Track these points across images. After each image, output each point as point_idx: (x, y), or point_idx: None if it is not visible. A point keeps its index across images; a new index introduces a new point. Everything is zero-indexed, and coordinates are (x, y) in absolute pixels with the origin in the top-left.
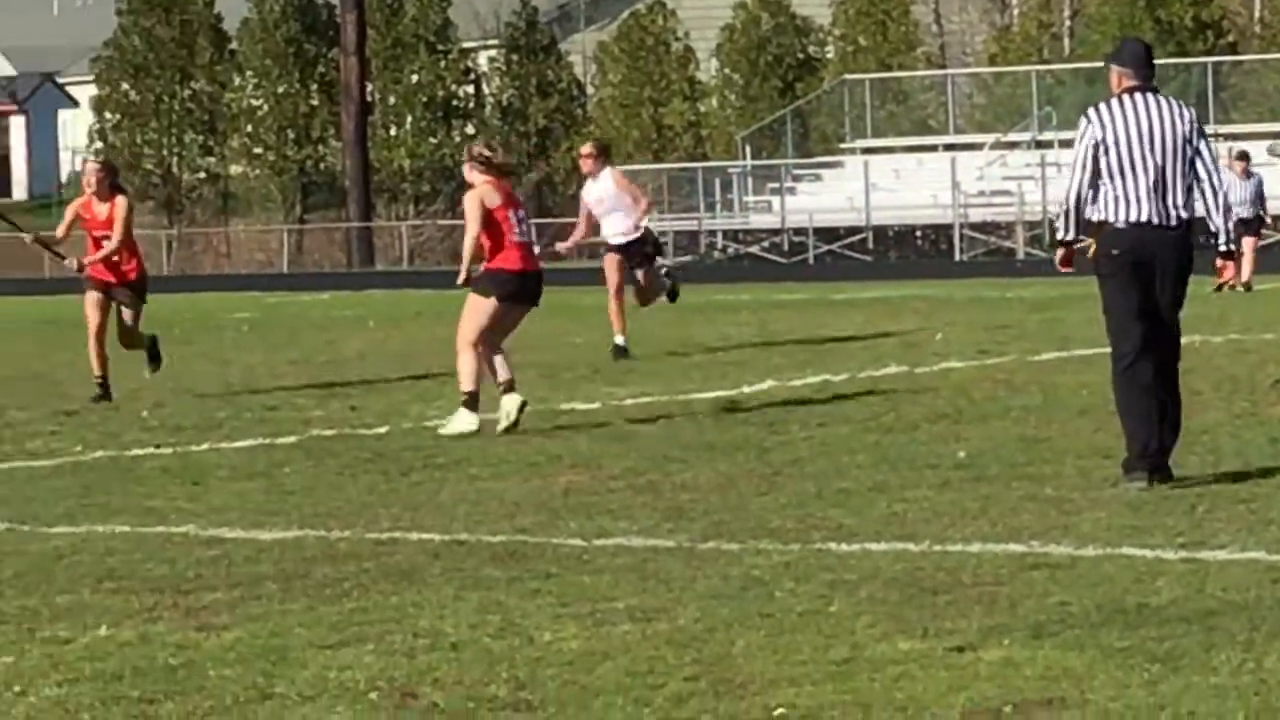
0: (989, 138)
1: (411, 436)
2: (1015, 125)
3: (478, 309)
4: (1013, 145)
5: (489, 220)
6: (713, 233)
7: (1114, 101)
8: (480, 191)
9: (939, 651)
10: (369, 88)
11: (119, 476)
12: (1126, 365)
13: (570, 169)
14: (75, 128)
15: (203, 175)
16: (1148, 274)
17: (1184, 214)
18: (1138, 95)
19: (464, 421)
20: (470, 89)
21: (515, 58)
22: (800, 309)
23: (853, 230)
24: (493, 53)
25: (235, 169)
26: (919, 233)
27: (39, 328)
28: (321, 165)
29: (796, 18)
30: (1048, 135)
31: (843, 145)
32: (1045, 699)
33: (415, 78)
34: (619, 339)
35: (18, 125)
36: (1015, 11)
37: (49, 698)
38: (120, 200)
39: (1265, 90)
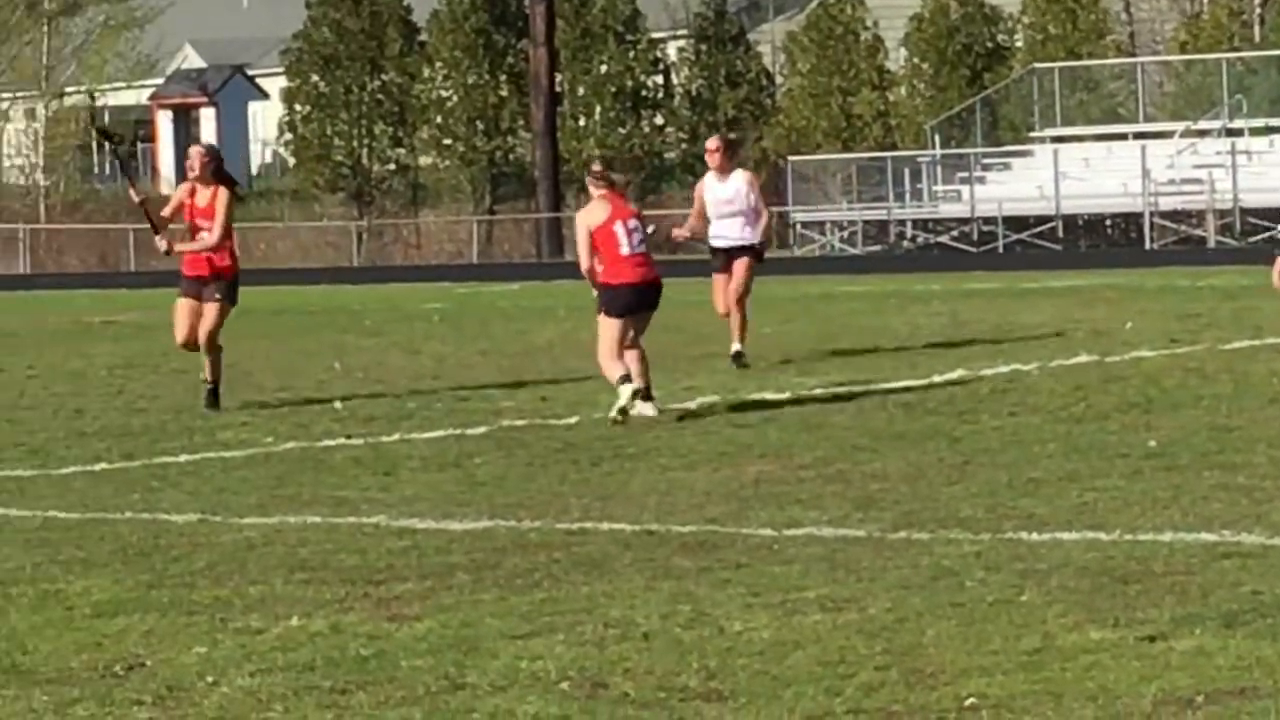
0: (1179, 125)
1: (602, 427)
2: (1206, 113)
3: (604, 328)
4: (1203, 133)
5: (597, 238)
6: (902, 222)
7: None
8: (583, 217)
9: (1130, 641)
10: (558, 78)
11: (310, 467)
12: None
13: (759, 159)
14: (265, 120)
15: (392, 166)
16: None
17: None
18: None
19: (624, 394)
20: (659, 79)
21: (704, 48)
22: (990, 298)
23: (1042, 219)
24: (681, 43)
25: (425, 160)
26: (1109, 221)
27: (234, 319)
28: (511, 156)
29: (985, 6)
30: (1238, 123)
31: (1032, 134)
32: (1238, 688)
33: (604, 68)
34: (737, 345)
35: (208, 117)
36: None
37: (241, 688)
38: (222, 191)
39: None
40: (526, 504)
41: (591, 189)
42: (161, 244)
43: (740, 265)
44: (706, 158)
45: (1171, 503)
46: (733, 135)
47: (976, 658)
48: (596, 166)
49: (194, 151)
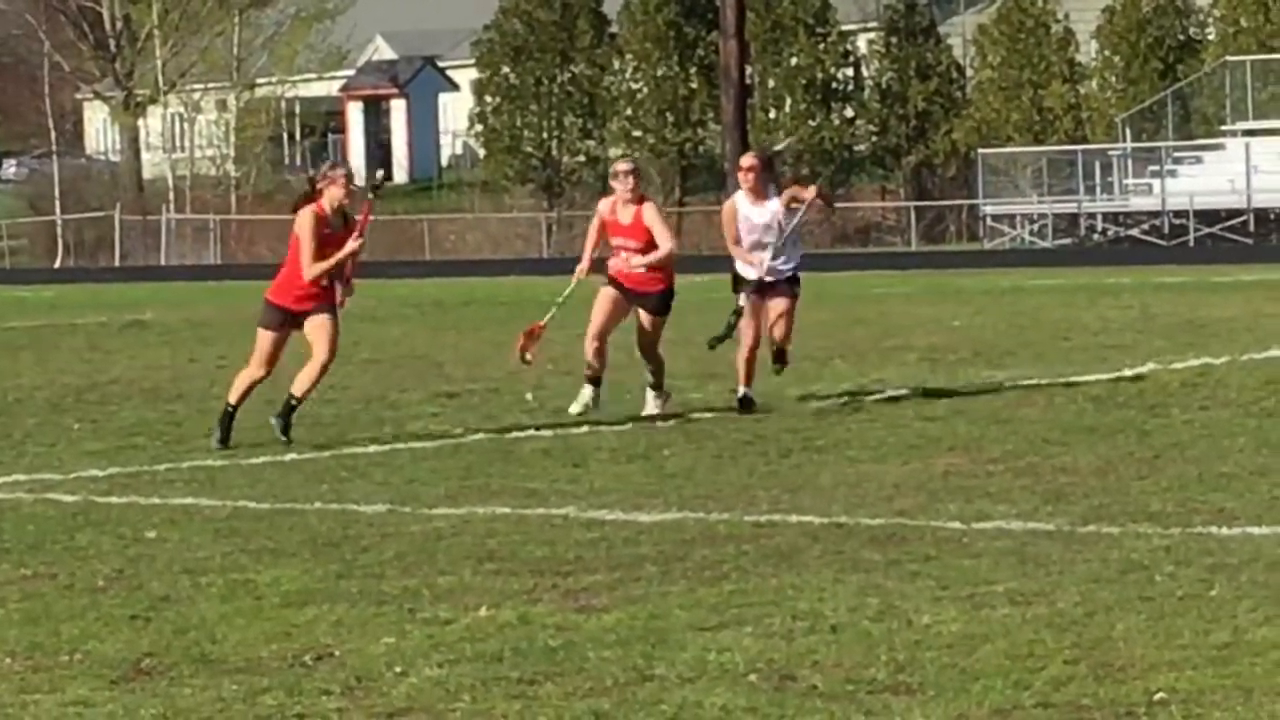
0: None
1: (790, 419)
2: None
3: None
4: None
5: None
6: (1092, 215)
7: None
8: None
9: None
10: (748, 70)
11: (499, 458)
12: None
13: (949, 152)
14: (455, 111)
15: (582, 158)
16: None
17: None
18: None
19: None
20: (849, 72)
21: (894, 40)
22: (1181, 292)
23: (1234, 213)
24: (872, 35)
25: (614, 152)
26: None
27: (423, 310)
28: (701, 148)
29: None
30: None
31: (1224, 127)
32: None
33: (794, 60)
34: (744, 389)
35: (398, 109)
36: None
37: (430, 678)
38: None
39: None
40: (715, 496)
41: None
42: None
43: (781, 305)
44: (740, 178)
45: None
46: (778, 147)
47: (1166, 652)
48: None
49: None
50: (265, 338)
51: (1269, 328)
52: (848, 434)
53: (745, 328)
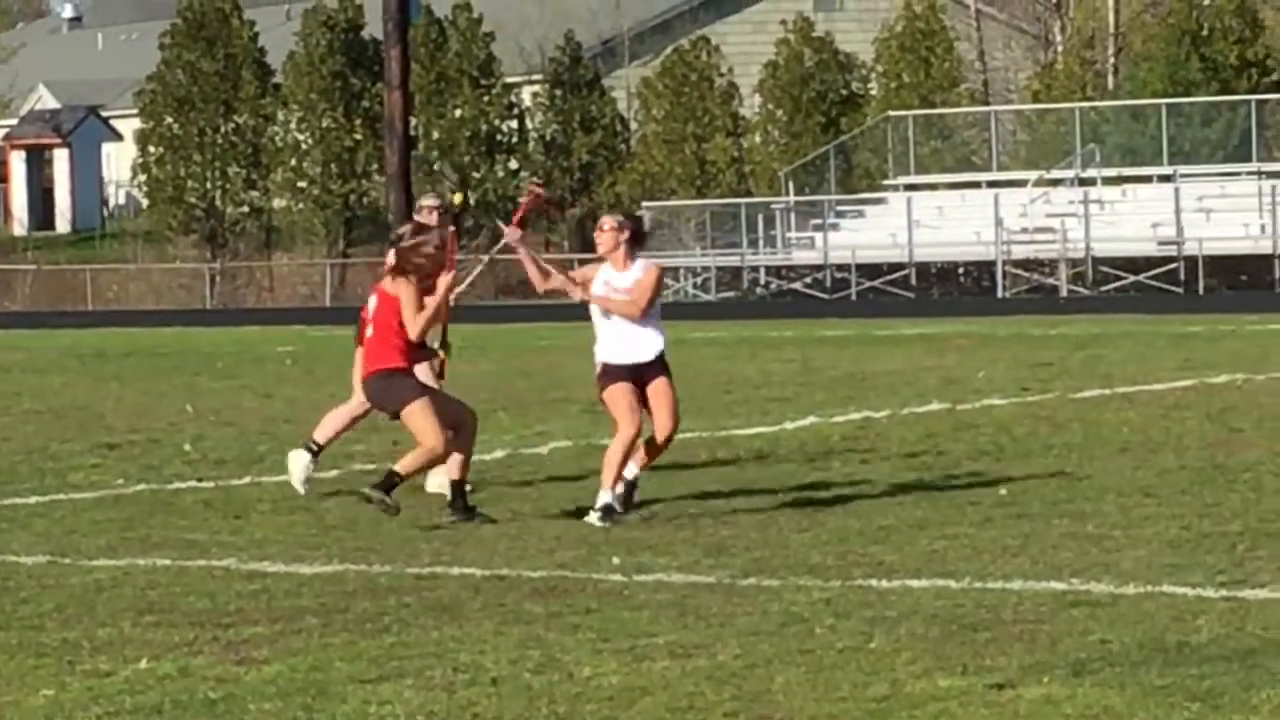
0: (1032, 174)
1: None
2: (1059, 162)
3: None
4: (1056, 182)
5: None
6: (755, 269)
7: None
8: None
9: (979, 689)
10: (413, 122)
11: (160, 509)
12: None
13: (613, 204)
14: (119, 161)
15: (246, 209)
16: None
17: None
18: None
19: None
20: (514, 124)
21: (559, 93)
22: (843, 345)
23: (895, 266)
24: (536, 88)
25: (279, 203)
26: (961, 269)
27: (85, 361)
28: (365, 199)
29: (840, 54)
30: (1091, 173)
31: (886, 181)
32: None
33: (459, 112)
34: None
35: (61, 158)
36: (1059, 48)
37: None
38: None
39: None
40: (376, 548)
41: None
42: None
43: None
44: (598, 241)
45: (1021, 551)
46: (639, 213)
47: (825, 705)
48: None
49: (606, 221)
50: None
51: (928, 381)
52: (509, 487)
53: (628, 418)
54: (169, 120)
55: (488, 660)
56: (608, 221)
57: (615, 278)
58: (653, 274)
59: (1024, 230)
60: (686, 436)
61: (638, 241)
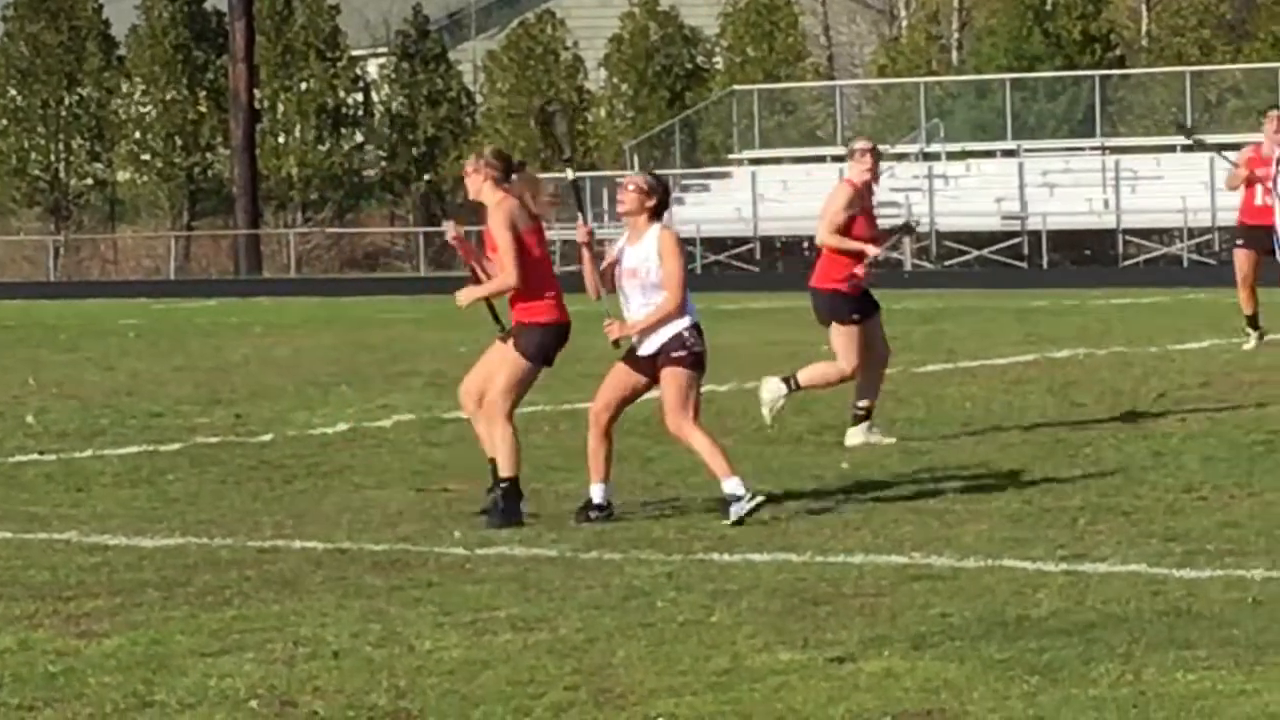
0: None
1: (296, 445)
2: (903, 137)
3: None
4: (901, 157)
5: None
6: (601, 242)
7: None
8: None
9: (819, 662)
10: (258, 95)
11: (2, 482)
12: None
13: (459, 178)
14: None
15: (90, 182)
16: None
17: None
18: None
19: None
20: (360, 97)
21: (405, 66)
22: None
23: (740, 241)
24: (383, 61)
25: (123, 175)
26: (806, 244)
27: None
28: (210, 172)
29: (685, 28)
30: (935, 147)
31: (731, 156)
32: (924, 710)
33: (305, 85)
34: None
35: None
36: (904, 23)
37: None
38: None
39: (1152, 104)
40: (219, 521)
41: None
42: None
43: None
44: (620, 201)
45: (863, 525)
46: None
47: (666, 678)
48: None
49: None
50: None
51: (773, 355)
52: (353, 460)
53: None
54: (12, 92)
55: (329, 634)
56: (634, 182)
57: (629, 252)
58: (669, 241)
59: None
60: (530, 410)
61: (661, 210)
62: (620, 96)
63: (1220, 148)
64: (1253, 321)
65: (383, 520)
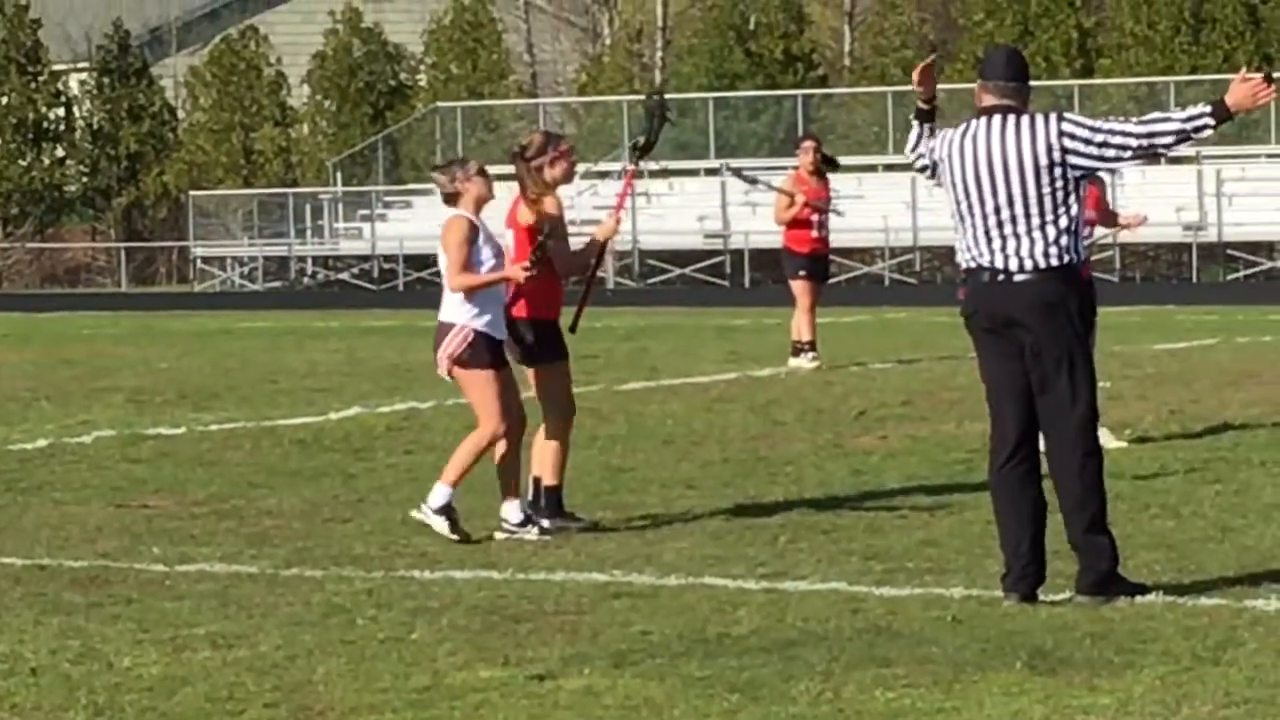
0: (580, 167)
1: None
2: (606, 155)
3: None
4: (604, 174)
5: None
6: (303, 258)
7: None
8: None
9: (520, 680)
10: None
11: None
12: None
13: (160, 194)
14: None
15: None
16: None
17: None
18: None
19: None
20: (61, 111)
21: (107, 81)
22: (389, 336)
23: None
24: (84, 75)
25: None
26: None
27: None
28: None
29: (388, 45)
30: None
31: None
32: None
33: (4, 99)
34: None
35: None
36: (607, 41)
37: None
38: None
39: (855, 123)
40: None
41: None
42: None
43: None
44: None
45: (564, 542)
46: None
47: (366, 695)
48: None
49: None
50: None
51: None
52: (52, 476)
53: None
54: None
55: (27, 650)
56: None
57: None
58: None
59: (571, 222)
60: (230, 426)
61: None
62: (323, 113)
63: (756, 180)
64: (812, 345)
65: (82, 536)
